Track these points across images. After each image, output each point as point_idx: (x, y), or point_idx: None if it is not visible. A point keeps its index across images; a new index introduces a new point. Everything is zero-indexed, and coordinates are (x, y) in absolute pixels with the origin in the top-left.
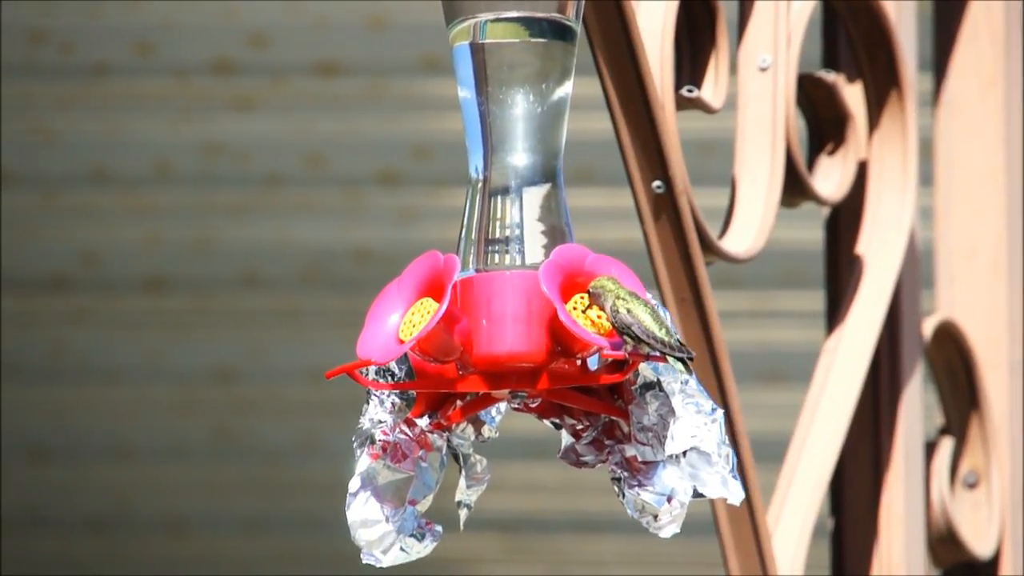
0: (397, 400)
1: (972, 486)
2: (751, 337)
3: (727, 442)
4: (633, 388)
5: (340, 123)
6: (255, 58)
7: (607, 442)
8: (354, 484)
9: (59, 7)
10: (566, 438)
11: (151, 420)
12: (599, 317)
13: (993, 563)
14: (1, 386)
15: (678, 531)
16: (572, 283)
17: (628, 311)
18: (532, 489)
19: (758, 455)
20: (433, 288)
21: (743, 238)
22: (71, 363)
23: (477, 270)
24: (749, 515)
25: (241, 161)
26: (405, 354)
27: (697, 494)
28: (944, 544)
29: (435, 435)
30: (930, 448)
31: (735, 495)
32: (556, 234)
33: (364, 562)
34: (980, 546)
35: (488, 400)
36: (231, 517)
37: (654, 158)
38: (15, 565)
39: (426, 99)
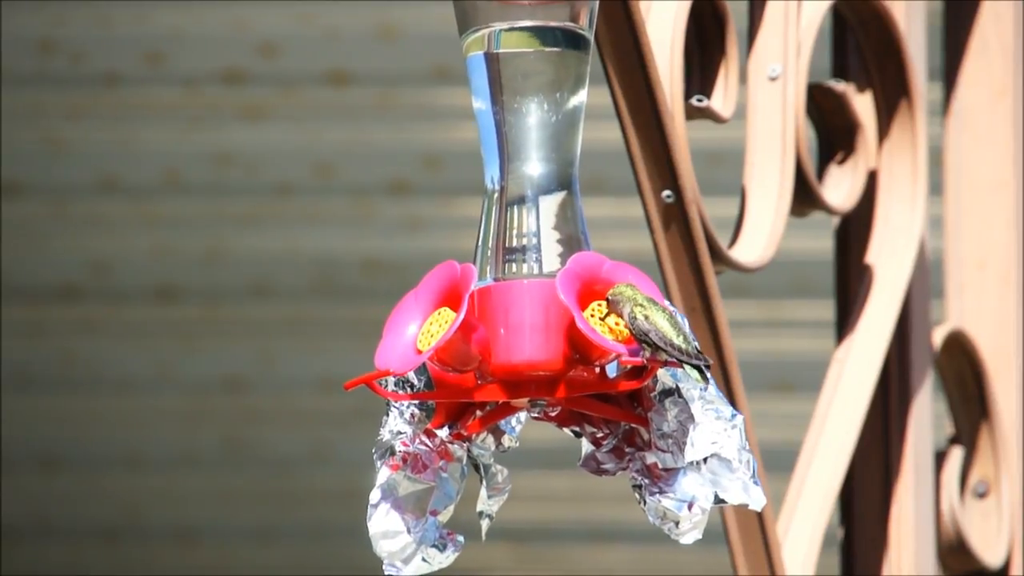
0: (417, 411)
1: (982, 495)
2: (761, 346)
3: (748, 448)
4: (652, 395)
5: (350, 133)
6: (265, 68)
7: (627, 449)
8: (375, 496)
9: (69, 16)
10: (586, 446)
11: (161, 429)
12: (617, 324)
13: (1003, 572)
14: (11, 395)
15: (700, 537)
16: (589, 291)
17: (646, 318)
18: (543, 499)
19: (768, 464)
20: (450, 298)
21: (753, 247)
22: (80, 372)
23: (494, 279)
24: (759, 524)
25: (251, 170)
26: (424, 365)
27: (718, 500)
28: (954, 553)
29: (455, 445)
30: (940, 458)
31: (756, 501)
32: (573, 242)
33: (386, 573)
34: (990, 555)
35: (508, 409)
36: (241, 526)
37: (664, 168)
38: (25, 574)
39: (436, 109)
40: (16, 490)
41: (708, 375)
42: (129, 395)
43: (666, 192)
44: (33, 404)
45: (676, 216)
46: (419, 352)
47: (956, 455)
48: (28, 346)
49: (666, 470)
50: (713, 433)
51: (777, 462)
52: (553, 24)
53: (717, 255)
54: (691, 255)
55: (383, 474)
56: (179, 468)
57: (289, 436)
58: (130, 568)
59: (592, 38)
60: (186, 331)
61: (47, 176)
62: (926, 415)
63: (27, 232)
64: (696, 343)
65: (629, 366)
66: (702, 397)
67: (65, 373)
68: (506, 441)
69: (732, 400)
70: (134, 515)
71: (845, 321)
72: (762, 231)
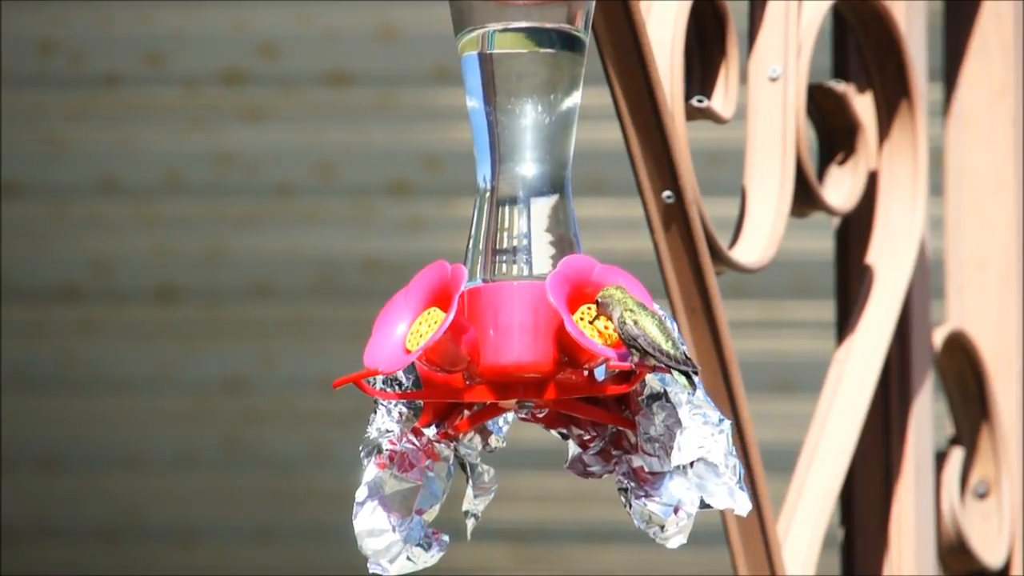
0: (404, 410)
1: (982, 496)
2: (761, 347)
3: (734, 453)
4: (640, 399)
5: (350, 133)
6: (265, 68)
7: (614, 452)
8: (361, 493)
9: (69, 17)
10: (573, 448)
11: (161, 430)
12: (606, 328)
13: (1003, 573)
14: (11, 396)
15: (685, 542)
16: (579, 294)
17: (635, 323)
18: (542, 499)
19: (768, 465)
20: (440, 298)
21: (753, 248)
22: (81, 373)
23: (484, 280)
24: (759, 525)
25: (251, 171)
26: (412, 364)
27: (704, 505)
28: (954, 554)
29: (442, 445)
30: (940, 458)
31: (742, 506)
32: (564, 245)
33: (371, 571)
34: (990, 556)
35: (495, 410)
36: (241, 527)
37: (664, 168)
38: (25, 575)
39: (436, 109)
40: (16, 490)
41: (696, 381)
42: (129, 395)
43: (666, 192)
44: (33, 404)
45: (676, 216)
46: (408, 352)
47: (956, 456)
48: (28, 346)
49: (652, 474)
50: (700, 438)
51: (777, 462)
52: (548, 25)
53: (717, 255)
54: (691, 255)
55: (370, 472)
56: (179, 468)
57: (289, 436)
58: (130, 568)
59: (587, 40)
60: (186, 331)
61: (47, 176)
62: (926, 415)
63: (27, 232)
64: (685, 348)
65: (617, 370)
66: (689, 401)
67: (65, 373)
68: (493, 441)
69: (732, 400)
70: (134, 515)
71: (845, 321)
72: (762, 231)
